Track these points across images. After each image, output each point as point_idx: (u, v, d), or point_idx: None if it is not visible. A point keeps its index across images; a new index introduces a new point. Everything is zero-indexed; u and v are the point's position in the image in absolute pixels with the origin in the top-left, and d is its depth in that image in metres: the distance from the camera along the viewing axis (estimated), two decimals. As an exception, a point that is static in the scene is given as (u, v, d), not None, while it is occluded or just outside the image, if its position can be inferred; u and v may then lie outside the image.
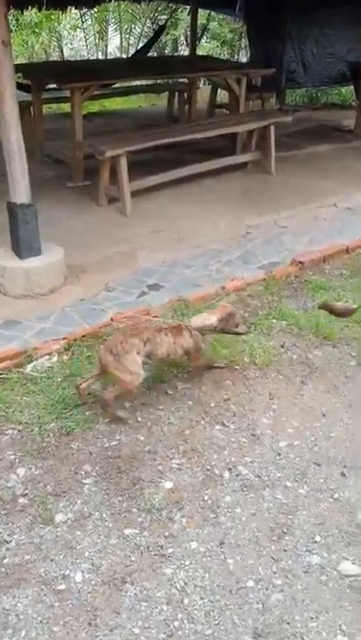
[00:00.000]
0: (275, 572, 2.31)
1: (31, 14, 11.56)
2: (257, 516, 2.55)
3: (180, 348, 3.20)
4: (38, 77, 6.94)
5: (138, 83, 9.21)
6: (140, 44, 13.34)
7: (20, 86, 8.09)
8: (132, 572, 2.31)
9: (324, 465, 2.83)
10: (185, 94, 8.64)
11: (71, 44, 14.53)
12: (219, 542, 2.43)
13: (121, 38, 15.26)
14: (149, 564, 2.34)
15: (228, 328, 3.33)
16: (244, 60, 13.18)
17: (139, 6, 12.86)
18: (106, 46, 15.28)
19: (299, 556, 2.38)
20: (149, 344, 3.08)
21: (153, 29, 13.70)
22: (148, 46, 11.00)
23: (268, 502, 2.61)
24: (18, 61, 12.39)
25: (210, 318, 3.30)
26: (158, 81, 8.77)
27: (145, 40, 13.41)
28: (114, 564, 2.34)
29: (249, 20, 10.50)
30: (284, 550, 2.40)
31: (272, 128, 6.68)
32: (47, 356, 3.55)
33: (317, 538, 2.46)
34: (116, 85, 8.88)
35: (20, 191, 4.16)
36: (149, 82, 9.04)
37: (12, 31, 12.66)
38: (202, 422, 3.08)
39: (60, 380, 3.34)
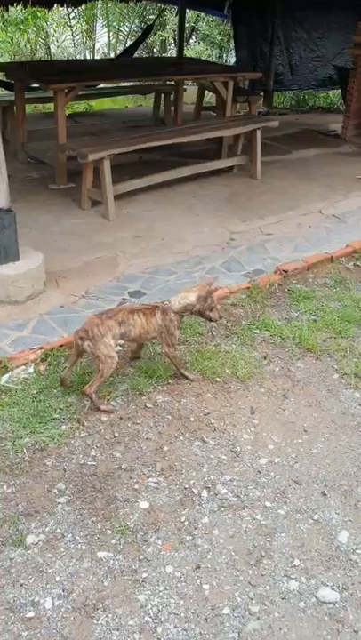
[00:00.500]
0: (252, 599, 2.24)
1: (17, 11, 11.39)
2: (235, 538, 2.48)
3: (152, 330, 3.22)
4: (20, 77, 6.81)
5: (124, 84, 9.09)
6: (129, 43, 13.22)
7: (5, 85, 7.99)
8: (104, 597, 2.23)
9: (304, 484, 2.76)
10: (171, 96, 8.55)
11: (57, 42, 14.36)
12: (195, 566, 2.35)
13: (109, 36, 15.15)
14: (122, 589, 2.26)
15: (204, 310, 3.28)
16: (233, 61, 13.13)
17: (127, 5, 12.75)
18: (93, 44, 15.16)
19: (277, 582, 2.31)
20: (123, 325, 3.13)
21: (141, 28, 13.60)
22: (134, 47, 10.88)
23: (246, 523, 2.54)
24: (2, 59, 12.27)
25: (188, 297, 3.26)
26: (144, 82, 8.67)
27: (133, 39, 13.31)
28: (86, 589, 2.26)
29: (237, 21, 10.44)
30: (262, 575, 2.33)
31: (258, 132, 6.61)
32: (23, 367, 3.45)
33: (296, 561, 2.39)
34: (103, 86, 8.76)
35: (-1, 195, 4.05)
36: (136, 83, 8.94)
37: (-3, 28, 12.56)
38: (181, 438, 3.00)
39: (35, 392, 3.25)
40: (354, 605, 2.23)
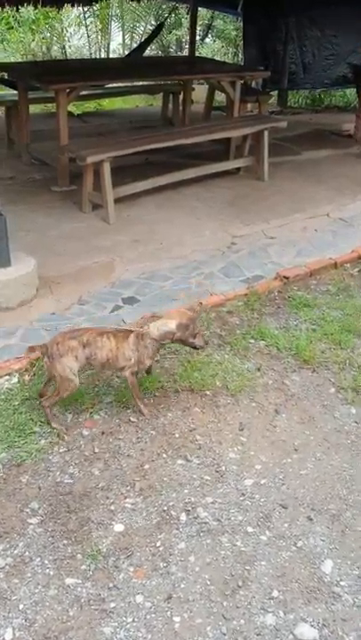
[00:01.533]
0: (224, 634, 2.10)
1: (28, 11, 11.34)
2: (212, 565, 2.34)
3: (122, 357, 2.95)
4: (22, 77, 6.72)
5: (132, 83, 8.97)
6: (143, 42, 13.12)
7: (12, 84, 7.92)
8: (67, 629, 2.11)
9: (290, 507, 2.61)
10: (180, 95, 8.41)
11: (69, 42, 14.29)
12: (166, 596, 2.22)
13: (123, 36, 15.06)
14: (88, 620, 2.14)
15: (186, 337, 3.01)
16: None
17: (140, 4, 12.64)
18: (108, 44, 15.07)
19: (252, 615, 2.17)
20: (88, 347, 2.91)
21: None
22: (145, 44, 10.74)
23: (225, 550, 2.40)
24: (14, 59, 12.23)
25: (168, 324, 2.98)
26: (152, 82, 8.54)
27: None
28: (49, 619, 2.14)
29: (248, 19, 10.25)
30: (237, 607, 2.19)
31: (266, 133, 6.45)
32: (7, 377, 3.35)
33: (275, 593, 2.24)
34: (111, 85, 8.66)
35: (-11, 199, 3.96)
36: (144, 82, 8.82)
37: (12, 28, 12.55)
38: (163, 455, 2.86)
39: (17, 403, 3.14)
40: (334, 644, 2.08)
